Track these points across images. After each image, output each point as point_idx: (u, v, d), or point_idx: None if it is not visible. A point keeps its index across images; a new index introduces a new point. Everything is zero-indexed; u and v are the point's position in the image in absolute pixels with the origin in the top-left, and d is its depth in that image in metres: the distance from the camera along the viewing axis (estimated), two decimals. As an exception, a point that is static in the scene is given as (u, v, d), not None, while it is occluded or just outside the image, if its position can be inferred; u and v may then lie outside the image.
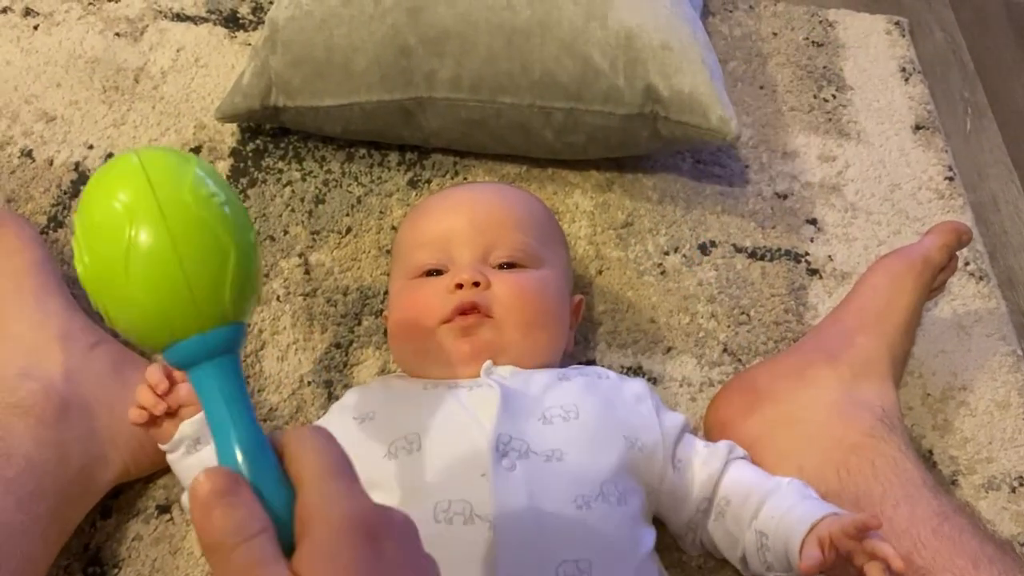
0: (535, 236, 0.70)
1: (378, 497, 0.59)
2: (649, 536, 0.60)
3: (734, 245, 0.89)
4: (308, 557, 0.31)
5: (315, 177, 0.89)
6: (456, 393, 0.62)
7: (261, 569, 0.31)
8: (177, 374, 0.60)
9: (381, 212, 0.87)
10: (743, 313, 0.84)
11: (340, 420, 0.65)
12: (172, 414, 0.60)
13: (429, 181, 0.90)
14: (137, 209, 0.37)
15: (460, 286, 0.65)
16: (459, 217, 0.70)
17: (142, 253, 0.37)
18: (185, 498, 0.62)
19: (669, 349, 0.81)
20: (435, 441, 0.59)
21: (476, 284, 0.65)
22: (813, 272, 0.88)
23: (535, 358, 0.66)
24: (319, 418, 0.68)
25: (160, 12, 1.00)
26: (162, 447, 0.62)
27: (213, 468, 0.34)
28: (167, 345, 0.39)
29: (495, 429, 0.58)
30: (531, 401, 0.61)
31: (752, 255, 0.88)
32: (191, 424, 0.60)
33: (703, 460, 0.63)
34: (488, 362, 0.64)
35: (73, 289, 0.75)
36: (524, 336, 0.65)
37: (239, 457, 0.36)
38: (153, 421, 0.60)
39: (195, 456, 0.61)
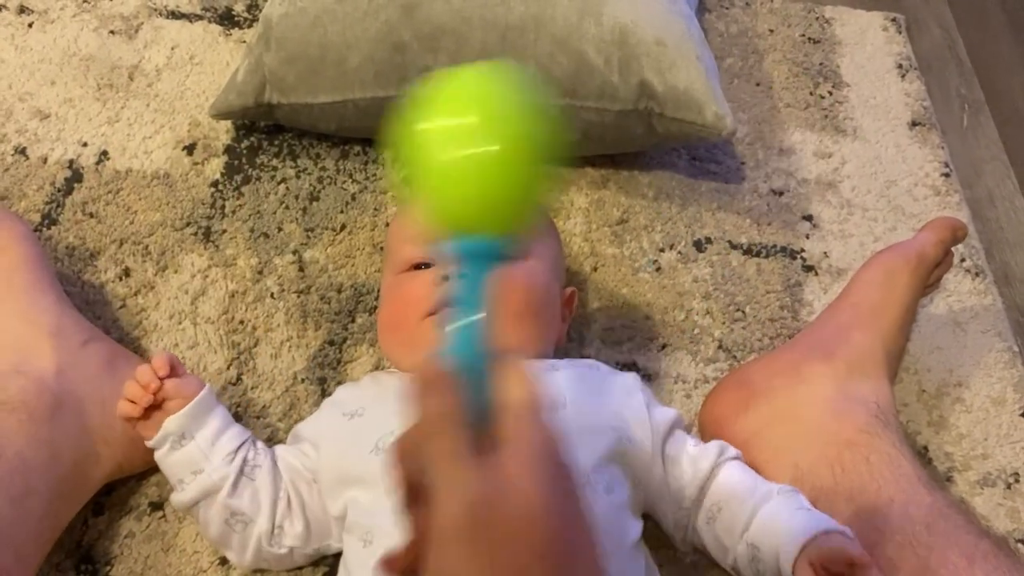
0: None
1: (363, 492, 0.59)
2: (636, 527, 0.60)
3: (729, 242, 0.89)
4: (511, 460, 0.36)
5: (309, 174, 0.89)
6: None
7: (453, 460, 0.36)
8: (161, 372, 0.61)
9: (376, 209, 0.87)
10: (738, 310, 0.84)
11: (329, 416, 0.65)
12: (157, 407, 0.61)
13: (424, 178, 0.90)
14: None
15: (446, 278, 0.65)
16: None
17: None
18: (174, 496, 0.62)
19: (664, 346, 0.81)
20: None
21: None
22: (809, 269, 0.88)
23: (524, 349, 0.66)
24: (311, 414, 0.68)
25: (155, 10, 1.00)
26: (148, 444, 0.62)
27: (438, 361, 0.38)
28: (474, 233, 0.40)
29: None
30: None
31: (748, 252, 0.88)
32: (175, 420, 0.60)
33: (692, 459, 0.63)
34: None
35: (66, 287, 0.75)
36: (511, 327, 0.65)
37: (470, 352, 0.39)
38: (141, 414, 0.61)
39: (180, 451, 0.61)
